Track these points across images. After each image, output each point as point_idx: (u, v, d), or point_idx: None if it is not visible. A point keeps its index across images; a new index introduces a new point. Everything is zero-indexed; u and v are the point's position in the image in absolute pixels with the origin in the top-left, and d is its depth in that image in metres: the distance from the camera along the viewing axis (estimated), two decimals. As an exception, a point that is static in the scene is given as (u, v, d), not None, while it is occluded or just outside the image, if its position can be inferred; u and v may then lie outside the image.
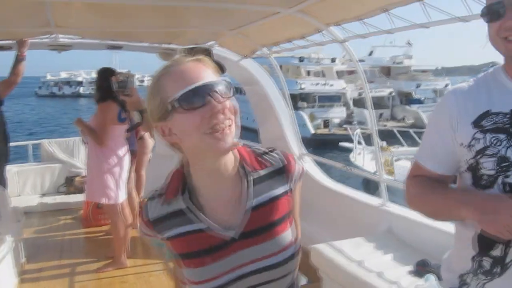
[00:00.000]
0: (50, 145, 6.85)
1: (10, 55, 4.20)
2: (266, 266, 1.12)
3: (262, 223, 1.14)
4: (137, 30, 4.28)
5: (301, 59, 32.92)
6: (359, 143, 15.51)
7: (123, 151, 4.16)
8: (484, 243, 1.20)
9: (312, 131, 28.44)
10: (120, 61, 54.20)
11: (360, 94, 31.04)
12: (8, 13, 3.25)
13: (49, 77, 78.87)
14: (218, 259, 1.11)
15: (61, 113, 45.96)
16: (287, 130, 5.00)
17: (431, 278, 2.37)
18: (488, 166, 1.22)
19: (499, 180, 1.20)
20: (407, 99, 35.51)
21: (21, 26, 3.85)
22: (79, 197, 5.85)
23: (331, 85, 32.70)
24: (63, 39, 4.41)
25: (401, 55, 39.79)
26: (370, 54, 39.92)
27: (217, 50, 4.78)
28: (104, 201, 4.09)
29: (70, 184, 6.46)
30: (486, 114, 1.24)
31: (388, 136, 15.56)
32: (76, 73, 77.47)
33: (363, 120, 25.85)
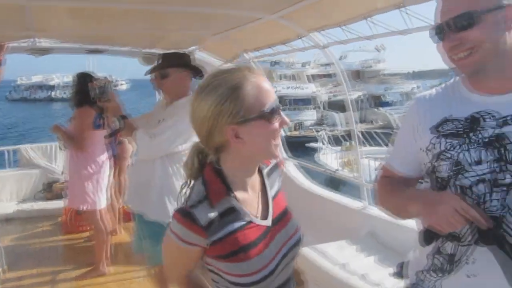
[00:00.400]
0: (29, 150, 6.72)
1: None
2: (294, 244, 1.32)
3: (280, 210, 1.33)
4: (119, 34, 4.24)
5: (273, 64, 33.28)
6: (323, 143, 17.52)
7: (103, 156, 4.12)
8: (428, 236, 1.24)
9: (284, 133, 28.80)
10: (98, 65, 53.46)
11: (330, 98, 32.08)
12: (-14, 16, 3.20)
13: (20, 81, 76.45)
14: (266, 246, 1.23)
15: (35, 118, 45.25)
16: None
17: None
18: (442, 169, 1.28)
19: (451, 183, 1.26)
20: (377, 102, 36.70)
21: (0, 30, 3.79)
22: (58, 203, 5.72)
23: (303, 89, 33.65)
24: (43, 43, 4.35)
25: (370, 59, 41.28)
26: (341, 58, 40.78)
27: (200, 55, 4.79)
28: (84, 207, 4.03)
29: (49, 190, 6.34)
30: (444, 121, 1.31)
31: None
32: (49, 77, 75.46)
33: (334, 123, 26.74)
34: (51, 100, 68.55)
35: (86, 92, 3.11)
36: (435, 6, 1.33)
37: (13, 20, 3.35)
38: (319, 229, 3.92)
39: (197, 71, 2.95)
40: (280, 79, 35.16)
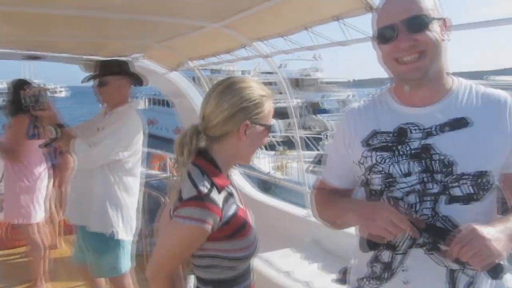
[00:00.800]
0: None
1: None
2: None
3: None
4: (58, 40, 4.07)
5: (213, 72, 33.35)
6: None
7: (41, 168, 3.93)
8: (371, 244, 1.26)
9: None
10: (38, 72, 51.11)
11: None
12: None
13: None
14: (251, 225, 1.48)
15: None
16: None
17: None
18: (375, 182, 1.32)
19: (384, 195, 1.31)
20: (315, 109, 38.06)
21: None
22: (-8, 217, 5.41)
23: None
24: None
25: (309, 68, 42.97)
26: (280, 66, 41.78)
27: (144, 63, 4.70)
28: (19, 221, 3.83)
29: (-18, 203, 5.97)
30: (373, 134, 1.34)
31: (291, 143, 18.25)
32: (-20, 83, 71.63)
33: (273, 129, 27.55)
34: (-18, 107, 64.60)
35: (21, 100, 2.97)
36: (370, 18, 1.35)
37: None
38: (264, 237, 3.91)
39: (136, 79, 2.90)
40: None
